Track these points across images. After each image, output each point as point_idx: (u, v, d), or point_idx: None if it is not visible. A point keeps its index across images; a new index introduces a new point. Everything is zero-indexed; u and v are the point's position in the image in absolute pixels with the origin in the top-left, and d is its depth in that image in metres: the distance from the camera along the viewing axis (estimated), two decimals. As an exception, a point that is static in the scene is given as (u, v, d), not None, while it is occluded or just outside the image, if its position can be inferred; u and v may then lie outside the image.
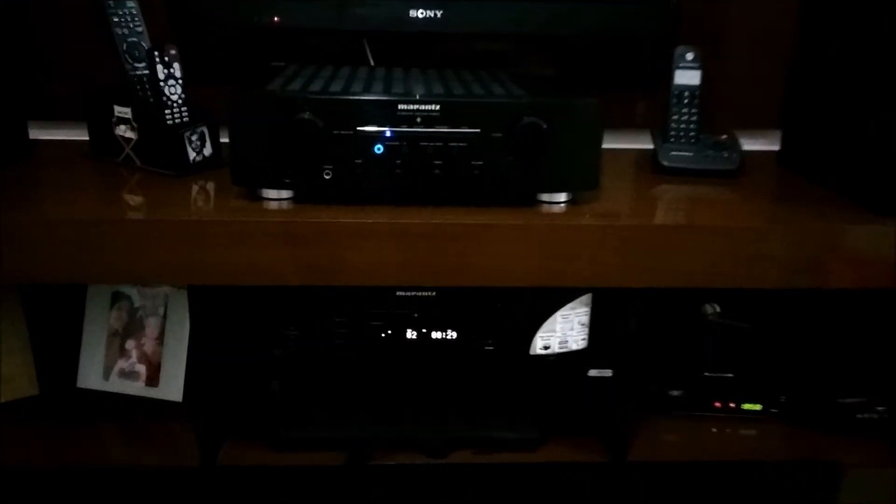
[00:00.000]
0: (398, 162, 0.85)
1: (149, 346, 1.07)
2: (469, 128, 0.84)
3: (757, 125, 1.20)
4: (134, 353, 1.07)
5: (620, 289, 0.91)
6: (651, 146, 1.10)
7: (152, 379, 1.06)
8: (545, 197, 0.90)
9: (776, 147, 1.14)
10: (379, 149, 0.84)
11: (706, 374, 1.10)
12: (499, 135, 0.85)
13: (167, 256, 0.83)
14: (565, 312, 0.95)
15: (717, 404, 1.09)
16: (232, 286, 0.84)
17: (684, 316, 1.15)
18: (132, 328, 1.07)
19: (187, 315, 1.03)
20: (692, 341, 1.12)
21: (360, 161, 0.85)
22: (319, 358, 0.96)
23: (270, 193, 0.88)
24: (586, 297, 0.95)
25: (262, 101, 0.83)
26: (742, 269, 0.86)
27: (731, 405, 1.09)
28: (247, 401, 0.98)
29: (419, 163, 0.85)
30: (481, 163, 0.86)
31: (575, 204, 0.90)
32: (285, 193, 0.88)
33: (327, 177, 0.85)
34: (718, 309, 1.17)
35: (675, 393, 1.09)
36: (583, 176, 0.89)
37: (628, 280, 0.87)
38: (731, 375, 1.10)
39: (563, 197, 0.90)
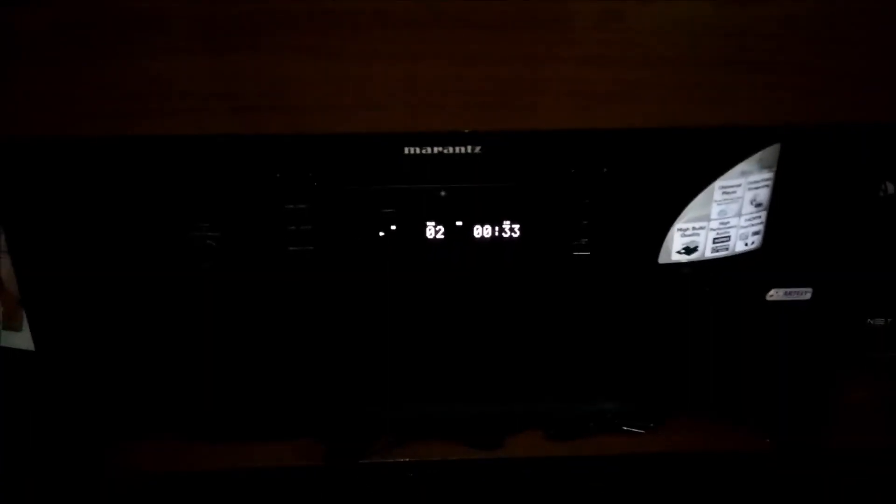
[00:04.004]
0: None
1: (6, 265, 0.63)
2: None
3: None
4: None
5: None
6: None
7: (12, 318, 0.64)
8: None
9: None
10: None
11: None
12: None
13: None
14: (730, 182, 0.50)
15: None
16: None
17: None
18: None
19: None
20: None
21: None
22: (263, 281, 0.52)
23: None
24: (770, 154, 0.50)
25: None
26: None
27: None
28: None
29: None
30: None
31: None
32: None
33: None
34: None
35: (879, 322, 0.66)
36: None
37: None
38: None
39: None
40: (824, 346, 0.59)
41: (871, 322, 0.66)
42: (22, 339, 0.64)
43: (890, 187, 0.70)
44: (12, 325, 0.65)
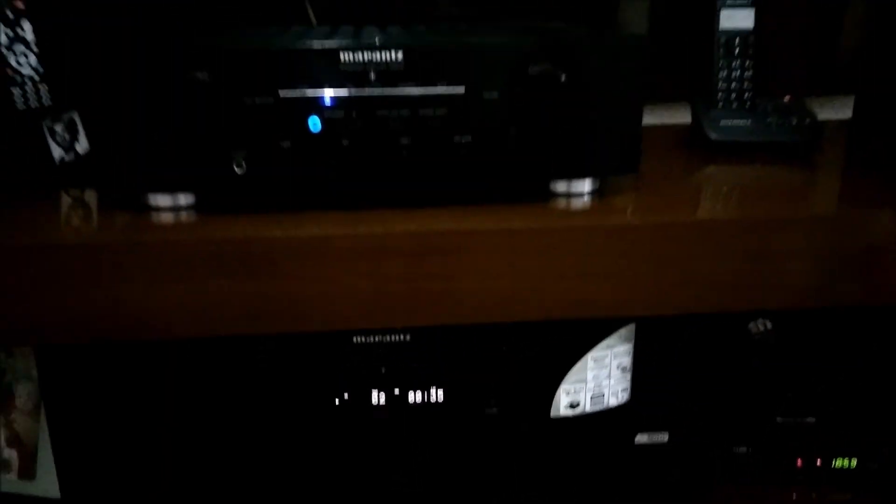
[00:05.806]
0: (345, 143, 0.56)
1: (21, 423, 0.76)
2: (450, 84, 0.56)
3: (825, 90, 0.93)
4: (2, 434, 0.77)
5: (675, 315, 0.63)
6: (687, 120, 0.83)
7: (27, 469, 0.76)
8: (561, 186, 0.61)
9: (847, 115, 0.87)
10: (315, 124, 0.56)
11: (779, 419, 0.81)
12: (494, 95, 0.56)
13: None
14: (599, 353, 0.66)
15: (799, 462, 0.81)
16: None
17: (725, 339, 0.85)
18: (-6, 399, 0.77)
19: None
20: (743, 374, 0.83)
21: (286, 143, 0.56)
22: (241, 442, 0.66)
23: (159, 200, 0.58)
24: (628, 331, 0.66)
25: (130, 52, 0.54)
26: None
27: (818, 462, 0.81)
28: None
29: (376, 142, 0.57)
30: (469, 138, 0.57)
31: (602, 197, 0.62)
32: (183, 199, 0.59)
33: (239, 170, 0.56)
34: (769, 326, 0.87)
35: (741, 450, 0.81)
36: (619, 153, 0.60)
37: (701, 302, 0.58)
38: (812, 420, 0.81)
39: (587, 186, 0.61)
40: (689, 474, 0.74)
41: (735, 450, 0.81)
42: (36, 487, 0.76)
43: (759, 326, 0.87)
44: (28, 475, 0.76)
